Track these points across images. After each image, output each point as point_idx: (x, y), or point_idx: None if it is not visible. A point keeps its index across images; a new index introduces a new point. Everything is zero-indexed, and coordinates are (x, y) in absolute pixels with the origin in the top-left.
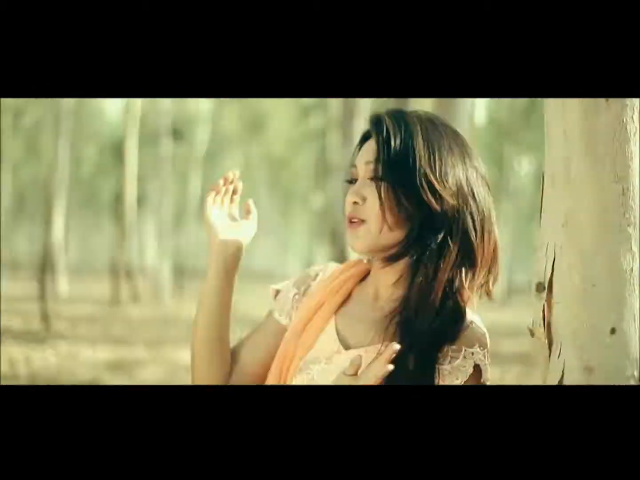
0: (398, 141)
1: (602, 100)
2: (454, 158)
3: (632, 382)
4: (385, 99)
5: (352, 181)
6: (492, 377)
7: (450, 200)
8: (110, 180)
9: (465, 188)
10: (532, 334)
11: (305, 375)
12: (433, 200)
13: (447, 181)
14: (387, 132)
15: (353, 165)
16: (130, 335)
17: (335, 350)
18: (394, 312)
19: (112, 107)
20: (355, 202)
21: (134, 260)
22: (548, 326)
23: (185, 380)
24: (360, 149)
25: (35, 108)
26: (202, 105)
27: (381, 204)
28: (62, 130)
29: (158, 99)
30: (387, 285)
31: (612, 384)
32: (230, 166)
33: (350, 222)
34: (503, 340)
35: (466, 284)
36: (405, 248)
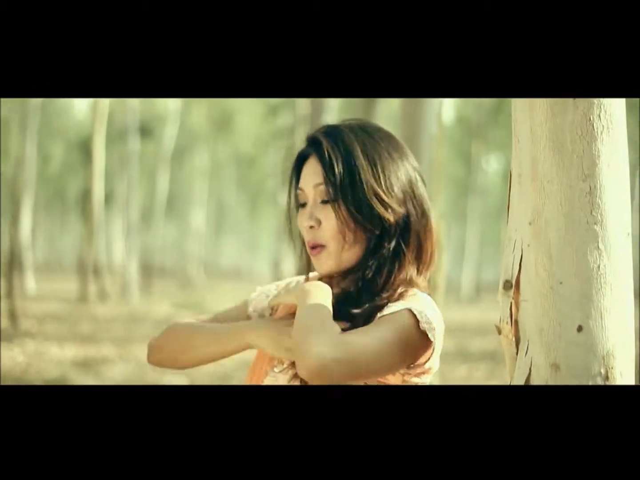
0: (341, 162)
1: (569, 99)
2: (395, 165)
3: (599, 380)
4: (352, 98)
5: (303, 205)
6: (461, 374)
7: (399, 209)
8: (78, 178)
9: (409, 191)
10: (499, 331)
11: (270, 378)
12: (385, 213)
13: (393, 191)
14: (329, 153)
15: (299, 189)
16: (97, 333)
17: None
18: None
19: (79, 105)
20: (311, 227)
21: (101, 258)
22: (515, 324)
23: (153, 378)
24: (299, 170)
25: (1, 106)
26: (170, 103)
27: (339, 226)
28: (29, 127)
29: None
30: (340, 288)
31: (578, 381)
32: (198, 164)
33: (312, 248)
34: (471, 338)
35: (419, 280)
36: (363, 261)
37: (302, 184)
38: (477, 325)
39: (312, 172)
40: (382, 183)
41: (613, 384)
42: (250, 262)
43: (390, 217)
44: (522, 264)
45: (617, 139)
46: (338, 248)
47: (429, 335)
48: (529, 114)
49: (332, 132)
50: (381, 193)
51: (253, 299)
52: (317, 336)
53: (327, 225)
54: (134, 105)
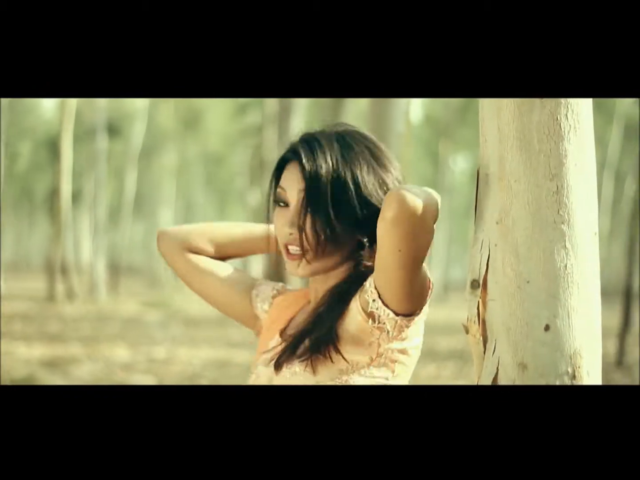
0: (324, 171)
1: (536, 98)
2: (375, 171)
3: (566, 379)
4: (320, 98)
5: (283, 204)
6: (429, 373)
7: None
8: (46, 177)
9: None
10: (467, 330)
11: (253, 375)
12: (355, 229)
13: (369, 203)
14: (310, 166)
15: (281, 187)
16: (65, 332)
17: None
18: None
19: (47, 103)
20: (291, 234)
21: (69, 257)
22: (483, 323)
23: (122, 378)
24: (282, 168)
25: None
26: (139, 101)
27: (321, 235)
28: None
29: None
30: (325, 289)
31: (546, 380)
32: (166, 162)
33: (289, 253)
34: (439, 337)
35: None
36: (343, 261)
37: (284, 184)
38: (445, 324)
39: (296, 178)
40: (363, 191)
41: (580, 383)
42: None
43: (363, 232)
44: (489, 263)
45: (584, 139)
46: (316, 255)
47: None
48: (496, 113)
49: (314, 140)
50: (357, 208)
51: (261, 283)
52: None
53: (310, 232)
54: (102, 104)
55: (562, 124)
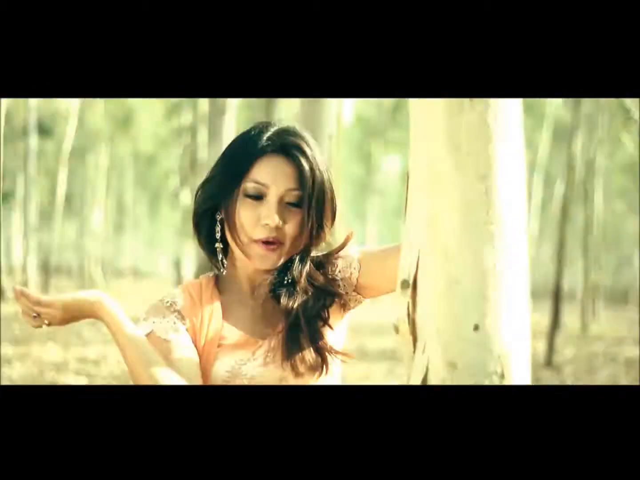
0: (317, 176)
1: (465, 100)
2: (329, 174)
3: (495, 378)
4: (252, 98)
5: (257, 197)
6: (360, 374)
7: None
8: None
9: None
10: (397, 330)
11: (242, 378)
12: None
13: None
14: (309, 166)
15: (259, 182)
16: None
17: (252, 349)
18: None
19: None
20: (278, 227)
21: None
22: (413, 323)
23: (52, 378)
24: (252, 162)
25: None
26: (70, 101)
27: (300, 228)
28: None
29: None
30: (263, 278)
31: (475, 380)
32: (99, 162)
33: (267, 243)
34: (370, 337)
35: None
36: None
37: (265, 179)
38: (376, 325)
39: (284, 174)
40: (333, 195)
41: (509, 382)
42: (150, 261)
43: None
44: (419, 263)
45: (513, 140)
46: (292, 248)
47: None
48: (426, 115)
49: (309, 146)
50: (334, 204)
51: (155, 330)
52: None
53: (291, 226)
54: (33, 103)
55: (491, 126)
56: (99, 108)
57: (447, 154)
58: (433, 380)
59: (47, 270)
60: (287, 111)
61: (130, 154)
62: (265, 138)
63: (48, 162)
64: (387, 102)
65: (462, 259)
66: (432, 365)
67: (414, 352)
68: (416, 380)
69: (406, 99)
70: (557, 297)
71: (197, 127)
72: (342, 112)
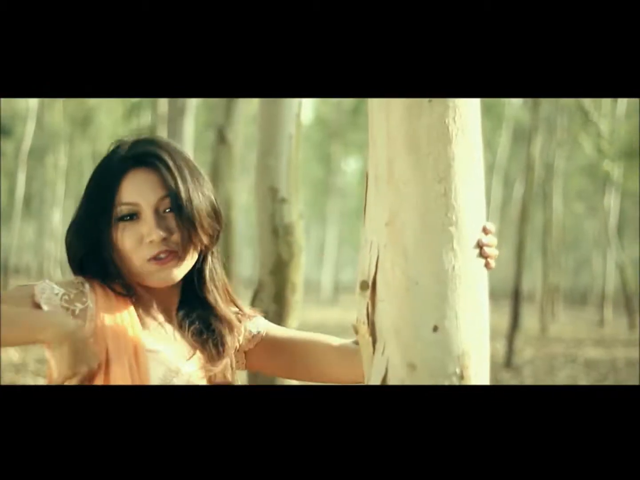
0: (183, 176)
1: (425, 101)
2: (202, 177)
3: (454, 379)
4: (212, 99)
5: (133, 216)
6: None
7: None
8: None
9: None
10: (356, 331)
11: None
12: (213, 221)
13: (211, 200)
14: (172, 169)
15: (130, 203)
16: None
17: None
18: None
19: None
20: (165, 238)
21: None
22: (372, 324)
23: (12, 379)
24: (119, 185)
25: None
26: (29, 101)
27: (193, 233)
28: None
29: None
30: (174, 303)
31: (435, 380)
32: (56, 163)
33: (157, 258)
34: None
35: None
36: (195, 266)
37: (134, 198)
38: (336, 325)
39: (149, 187)
40: (206, 194)
41: (468, 383)
42: None
43: (216, 226)
44: (378, 264)
45: (472, 142)
46: (187, 255)
47: None
48: (385, 116)
49: (165, 149)
50: (212, 202)
51: (42, 292)
52: None
53: (178, 233)
54: None
55: (450, 127)
56: (58, 108)
57: (406, 156)
58: (392, 381)
59: (5, 270)
60: (247, 111)
61: (89, 155)
62: (120, 158)
63: (7, 162)
64: (347, 103)
65: (421, 260)
66: (391, 366)
67: (374, 353)
68: (376, 381)
69: (365, 99)
70: (516, 298)
71: (156, 128)
72: (301, 112)
